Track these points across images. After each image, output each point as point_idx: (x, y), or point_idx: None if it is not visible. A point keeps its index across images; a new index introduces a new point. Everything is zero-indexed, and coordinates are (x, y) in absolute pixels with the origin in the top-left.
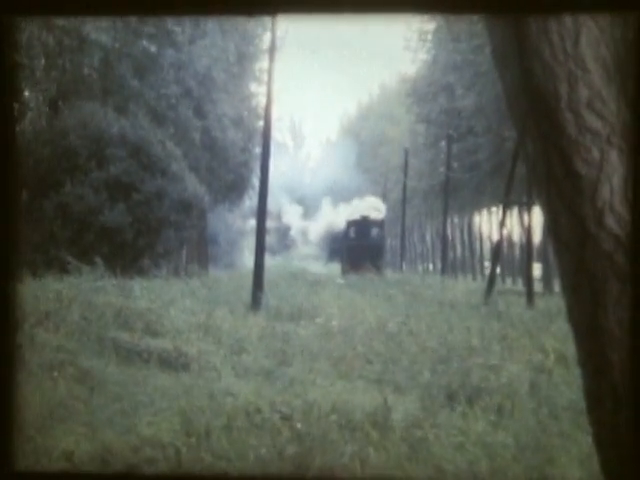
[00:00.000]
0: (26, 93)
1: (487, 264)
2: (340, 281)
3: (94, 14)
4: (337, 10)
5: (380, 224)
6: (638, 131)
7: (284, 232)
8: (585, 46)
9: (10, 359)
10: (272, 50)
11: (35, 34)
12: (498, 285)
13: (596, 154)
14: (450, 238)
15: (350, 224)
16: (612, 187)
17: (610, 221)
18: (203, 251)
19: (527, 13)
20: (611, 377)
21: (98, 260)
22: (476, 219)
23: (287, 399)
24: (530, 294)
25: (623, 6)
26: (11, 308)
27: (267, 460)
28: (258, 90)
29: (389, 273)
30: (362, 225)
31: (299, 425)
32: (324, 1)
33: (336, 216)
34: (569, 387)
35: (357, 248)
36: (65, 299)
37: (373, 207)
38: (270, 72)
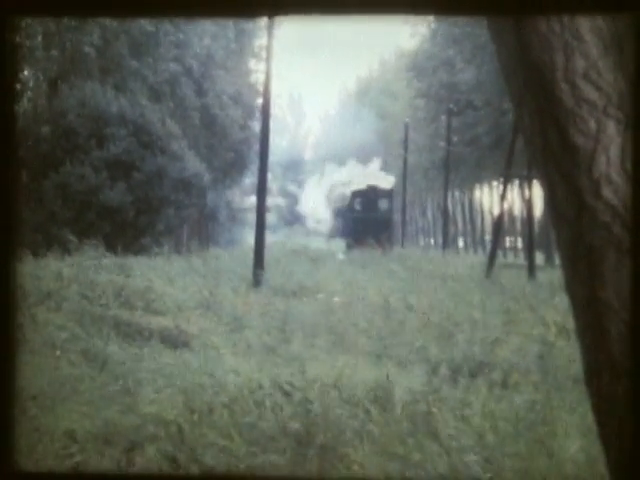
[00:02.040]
0: (25, 72)
1: (488, 237)
2: (341, 257)
3: (96, 15)
4: (338, 11)
5: (389, 194)
6: (638, 106)
7: (288, 207)
8: (581, 17)
9: (10, 359)
10: (270, 26)
11: None
12: (499, 259)
13: (592, 125)
14: (451, 212)
15: (355, 195)
16: (609, 158)
17: (607, 192)
18: (204, 229)
19: (527, 13)
20: (609, 349)
21: (99, 239)
22: (477, 193)
23: (289, 375)
24: (531, 267)
25: (623, 6)
26: (10, 301)
27: (270, 437)
28: (257, 67)
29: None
30: (369, 196)
31: (301, 401)
32: (324, 2)
33: (338, 178)
34: (571, 359)
35: (363, 221)
36: (66, 278)
37: (380, 175)
38: (269, 48)
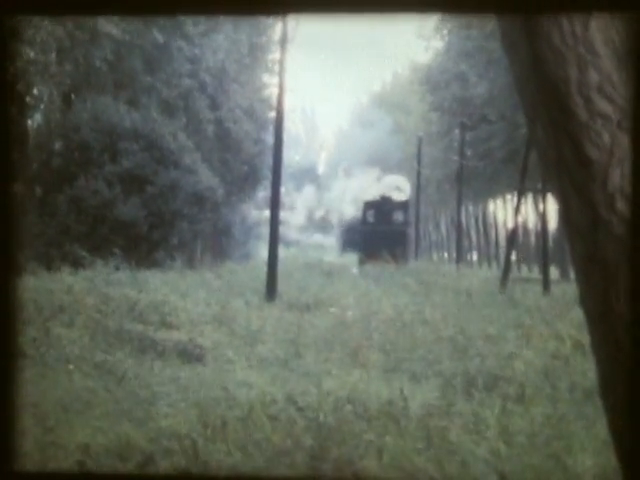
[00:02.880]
0: (40, 88)
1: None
2: (355, 271)
3: (103, 13)
4: (348, 10)
5: (404, 206)
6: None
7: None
8: (595, 30)
9: (10, 358)
10: (284, 41)
11: (48, 28)
12: (514, 273)
13: (607, 139)
14: (465, 226)
15: (368, 206)
16: (623, 172)
17: (622, 206)
18: (217, 243)
19: (526, 13)
20: (624, 363)
21: (114, 252)
22: (491, 207)
23: (303, 390)
24: (546, 281)
25: (623, 6)
26: (12, 306)
27: (283, 451)
28: (270, 81)
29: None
30: (382, 207)
31: (315, 415)
32: (334, 1)
33: (352, 187)
34: (586, 374)
35: (376, 234)
36: (79, 292)
37: (395, 186)
38: (282, 63)
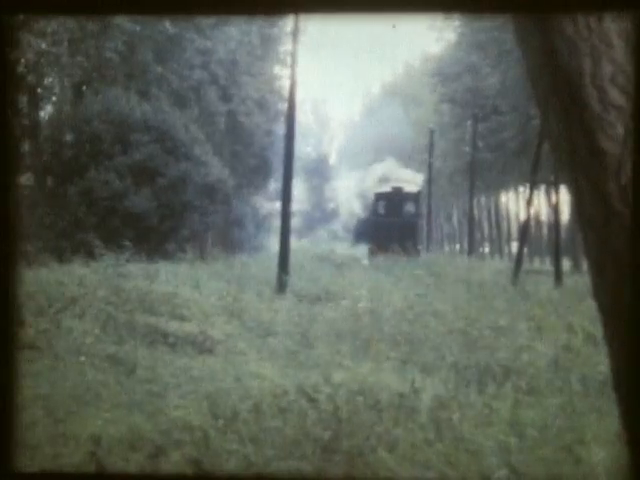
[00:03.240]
0: (51, 79)
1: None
2: (365, 262)
3: (104, 13)
4: (363, 9)
5: (415, 198)
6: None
7: (312, 212)
8: (609, 21)
9: (10, 357)
10: (295, 32)
11: (59, 19)
12: (526, 265)
13: (620, 130)
14: (477, 218)
15: (379, 197)
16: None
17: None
18: (229, 234)
19: (526, 13)
20: (637, 354)
21: (124, 244)
22: (503, 199)
23: (314, 381)
24: (558, 273)
25: (623, 6)
26: (10, 305)
27: (295, 442)
28: (282, 72)
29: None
30: (393, 199)
31: (326, 407)
32: (346, 1)
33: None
34: (598, 366)
35: (387, 226)
36: (91, 284)
37: (406, 179)
38: (294, 54)
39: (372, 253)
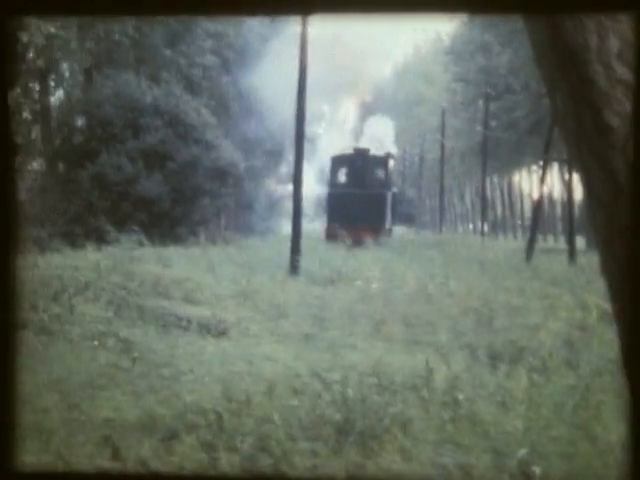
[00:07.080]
0: (60, 64)
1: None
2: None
3: (106, 14)
4: (371, 10)
5: (383, 162)
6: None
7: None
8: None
9: (10, 356)
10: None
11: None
12: (539, 243)
13: (627, 106)
14: (490, 197)
15: (337, 161)
16: None
17: None
18: (241, 218)
19: (526, 13)
20: None
21: (136, 229)
22: (516, 178)
23: (327, 363)
24: (572, 251)
25: (623, 6)
26: (11, 299)
27: (308, 424)
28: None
29: (429, 234)
30: (356, 163)
31: (339, 389)
32: (356, 1)
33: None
34: (612, 344)
35: (348, 200)
36: (104, 269)
37: (378, 136)
38: (303, 35)
39: (329, 236)
